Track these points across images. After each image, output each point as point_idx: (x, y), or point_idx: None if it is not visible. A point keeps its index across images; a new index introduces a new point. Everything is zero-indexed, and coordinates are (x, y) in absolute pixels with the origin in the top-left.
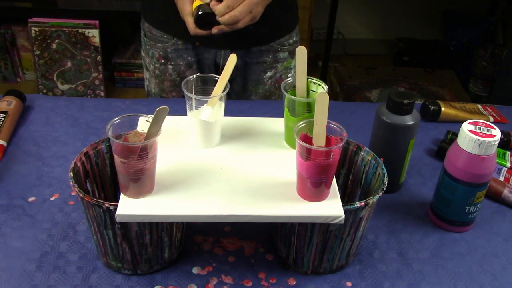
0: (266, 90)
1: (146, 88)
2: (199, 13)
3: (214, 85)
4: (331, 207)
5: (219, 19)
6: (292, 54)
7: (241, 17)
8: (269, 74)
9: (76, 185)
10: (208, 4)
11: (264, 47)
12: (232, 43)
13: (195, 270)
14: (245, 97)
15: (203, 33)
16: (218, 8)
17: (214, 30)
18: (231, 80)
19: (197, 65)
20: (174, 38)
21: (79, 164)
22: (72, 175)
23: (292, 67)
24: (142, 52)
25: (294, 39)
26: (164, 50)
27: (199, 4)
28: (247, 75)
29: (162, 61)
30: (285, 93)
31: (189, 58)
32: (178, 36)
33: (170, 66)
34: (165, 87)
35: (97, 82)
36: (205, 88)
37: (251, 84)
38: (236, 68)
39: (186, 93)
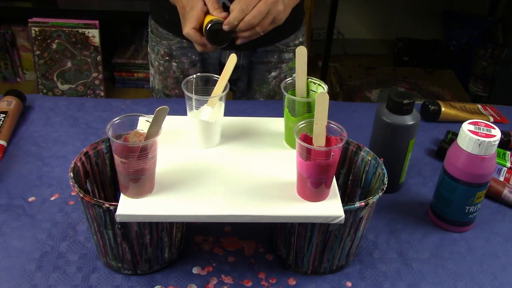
0: (270, 89)
1: (150, 84)
2: (208, 27)
3: (215, 85)
4: (331, 207)
5: (238, 28)
6: None
7: (255, 21)
8: (273, 74)
9: (76, 185)
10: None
11: (269, 48)
12: (237, 44)
13: (195, 270)
14: (250, 95)
15: (211, 48)
16: (232, 14)
17: (238, 42)
18: (236, 79)
19: (201, 63)
20: (179, 37)
21: (79, 164)
22: (72, 175)
23: None
24: (148, 48)
25: (300, 40)
26: (169, 47)
27: (210, 19)
28: (251, 75)
29: (167, 58)
30: (285, 93)
31: (194, 56)
32: (182, 36)
33: (174, 64)
34: (168, 84)
35: (97, 82)
36: (205, 88)
37: (256, 83)
38: (241, 67)
39: (186, 93)
